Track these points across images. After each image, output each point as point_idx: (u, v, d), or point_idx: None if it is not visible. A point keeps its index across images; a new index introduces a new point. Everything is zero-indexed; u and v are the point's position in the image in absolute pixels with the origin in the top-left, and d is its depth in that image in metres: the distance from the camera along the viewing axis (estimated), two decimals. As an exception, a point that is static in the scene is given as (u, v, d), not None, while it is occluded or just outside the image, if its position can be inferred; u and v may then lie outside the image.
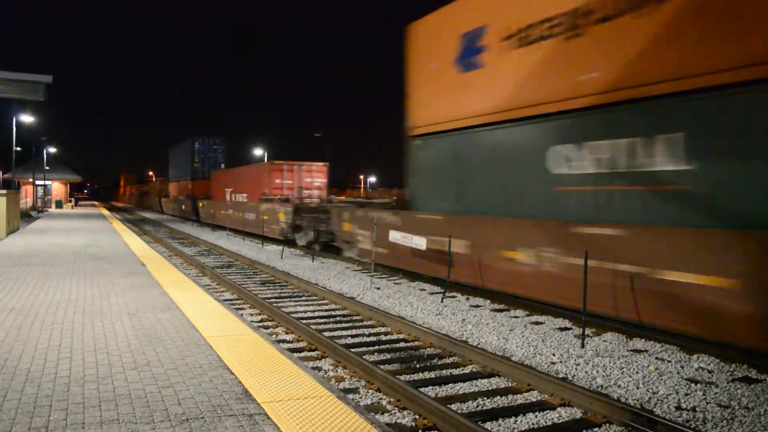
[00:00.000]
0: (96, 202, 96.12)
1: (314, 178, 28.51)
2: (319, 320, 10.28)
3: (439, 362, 7.83)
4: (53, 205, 53.83)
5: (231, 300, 11.91)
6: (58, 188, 59.72)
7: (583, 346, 8.59)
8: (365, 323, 10.08)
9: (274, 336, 9.05)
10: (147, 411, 4.30)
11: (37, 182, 52.39)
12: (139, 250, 16.19)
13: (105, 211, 49.54)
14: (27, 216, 35.14)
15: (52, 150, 60.73)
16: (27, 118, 41.49)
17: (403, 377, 7.00)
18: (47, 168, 56.25)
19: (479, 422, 5.59)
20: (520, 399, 6.48)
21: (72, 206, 58.88)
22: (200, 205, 40.10)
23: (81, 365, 5.36)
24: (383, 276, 15.67)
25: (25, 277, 10.70)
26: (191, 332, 6.72)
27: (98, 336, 6.45)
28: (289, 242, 23.46)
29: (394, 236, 13.76)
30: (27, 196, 51.30)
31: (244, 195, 31.46)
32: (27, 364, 5.37)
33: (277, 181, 27.73)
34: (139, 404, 4.42)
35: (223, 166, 47.11)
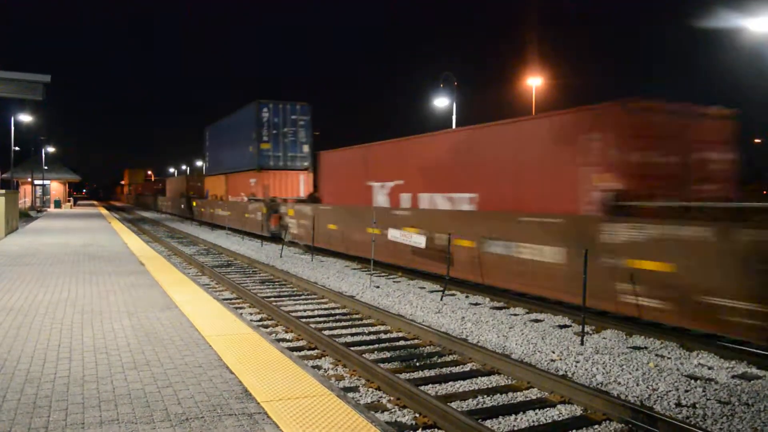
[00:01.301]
0: (95, 202, 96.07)
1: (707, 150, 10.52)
2: (318, 319, 10.28)
3: (439, 360, 7.82)
4: (52, 205, 53.79)
5: (230, 299, 11.90)
6: (56, 188, 59.76)
7: (582, 343, 8.59)
8: (365, 322, 10.07)
9: (274, 335, 9.05)
10: (147, 411, 4.29)
11: (36, 182, 52.39)
12: (138, 249, 16.17)
13: (104, 211, 49.49)
14: (26, 216, 35.13)
15: (51, 149, 60.71)
16: (25, 118, 41.48)
17: (403, 375, 6.99)
18: (46, 168, 56.22)
19: (479, 420, 5.58)
20: (520, 396, 6.48)
21: (71, 206, 58.83)
22: (288, 213, 22.66)
23: (80, 365, 5.36)
24: (382, 274, 15.66)
25: (24, 276, 10.68)
26: (190, 332, 6.71)
27: (97, 336, 6.44)
28: None
29: (393, 234, 13.75)
30: (26, 196, 51.28)
31: (470, 196, 13.32)
32: (26, 364, 5.36)
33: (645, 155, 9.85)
34: (139, 404, 4.41)
35: (306, 149, 28.60)
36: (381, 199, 16.91)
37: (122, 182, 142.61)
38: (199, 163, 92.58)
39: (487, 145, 12.89)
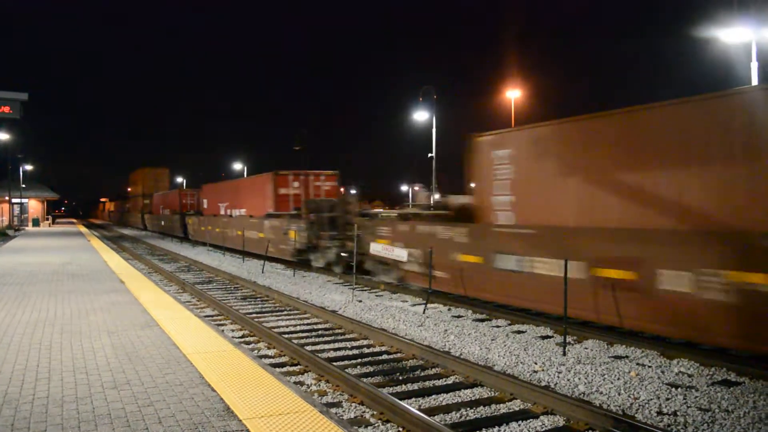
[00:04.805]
0: (74, 220, 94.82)
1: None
2: (301, 334, 10.23)
3: (422, 374, 7.82)
4: (30, 224, 53.05)
5: (212, 316, 11.81)
6: (35, 206, 58.95)
7: (564, 353, 8.64)
8: (347, 336, 10.05)
9: (256, 351, 8.99)
10: (127, 431, 4.24)
11: (14, 200, 51.65)
12: (118, 267, 16.01)
13: (84, 229, 48.89)
14: (3, 235, 34.62)
15: (29, 167, 59.98)
16: (2, 136, 40.96)
17: (386, 390, 6.97)
18: (23, 186, 55.49)
19: (463, 433, 5.59)
20: (503, 408, 6.50)
21: (49, 224, 58.08)
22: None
23: (60, 385, 5.29)
24: (365, 288, 15.65)
25: (2, 296, 10.52)
26: (172, 349, 6.65)
27: (77, 355, 6.36)
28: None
29: (375, 248, 13.78)
30: (3, 215, 50.54)
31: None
32: (4, 386, 5.28)
33: None
34: (119, 424, 4.37)
35: None
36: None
37: (102, 199, 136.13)
38: (179, 180, 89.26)
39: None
